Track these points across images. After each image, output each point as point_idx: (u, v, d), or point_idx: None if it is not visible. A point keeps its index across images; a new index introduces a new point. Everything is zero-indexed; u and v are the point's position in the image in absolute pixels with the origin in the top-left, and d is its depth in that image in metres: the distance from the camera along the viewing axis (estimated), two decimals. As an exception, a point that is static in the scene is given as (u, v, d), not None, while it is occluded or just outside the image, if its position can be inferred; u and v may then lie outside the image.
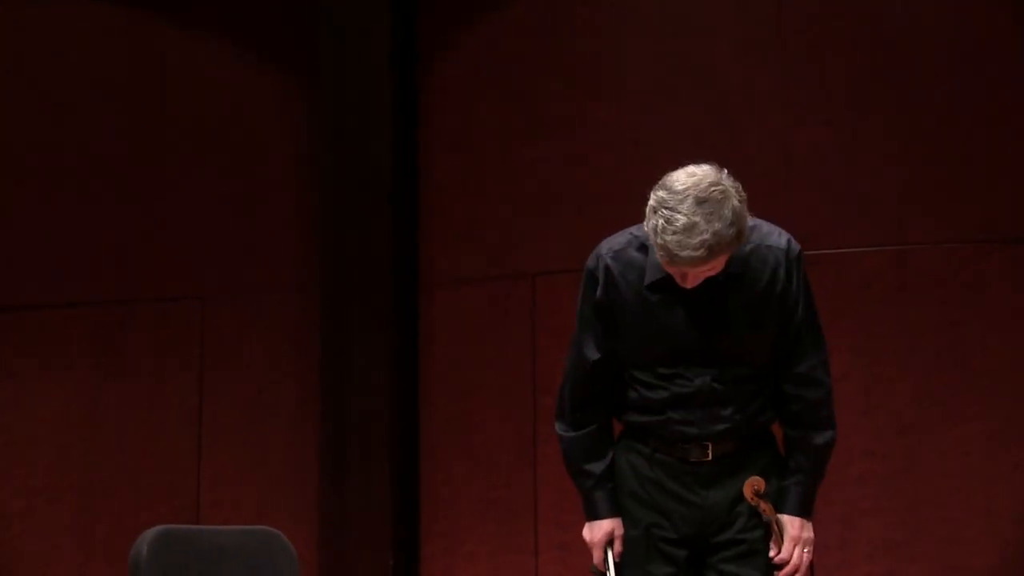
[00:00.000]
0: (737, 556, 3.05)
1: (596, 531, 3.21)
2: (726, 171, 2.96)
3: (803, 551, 2.97)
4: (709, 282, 2.98)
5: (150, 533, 3.15)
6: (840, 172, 5.71)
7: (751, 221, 3.00)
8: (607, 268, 3.17)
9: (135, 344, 6.38)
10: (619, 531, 3.18)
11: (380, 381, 5.90)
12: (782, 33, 5.86)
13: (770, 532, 3.04)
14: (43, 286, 6.50)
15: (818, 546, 5.46)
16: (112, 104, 6.59)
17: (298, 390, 6.17)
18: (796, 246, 3.10)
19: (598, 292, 3.19)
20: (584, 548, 5.67)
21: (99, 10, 6.68)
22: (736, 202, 2.88)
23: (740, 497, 3.04)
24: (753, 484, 2.99)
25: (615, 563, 3.16)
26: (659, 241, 2.88)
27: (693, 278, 2.94)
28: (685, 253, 2.84)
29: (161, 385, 6.32)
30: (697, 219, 2.83)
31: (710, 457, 3.08)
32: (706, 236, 2.83)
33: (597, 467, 3.23)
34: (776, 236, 3.10)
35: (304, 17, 6.39)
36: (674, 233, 2.84)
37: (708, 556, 3.09)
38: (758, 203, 5.75)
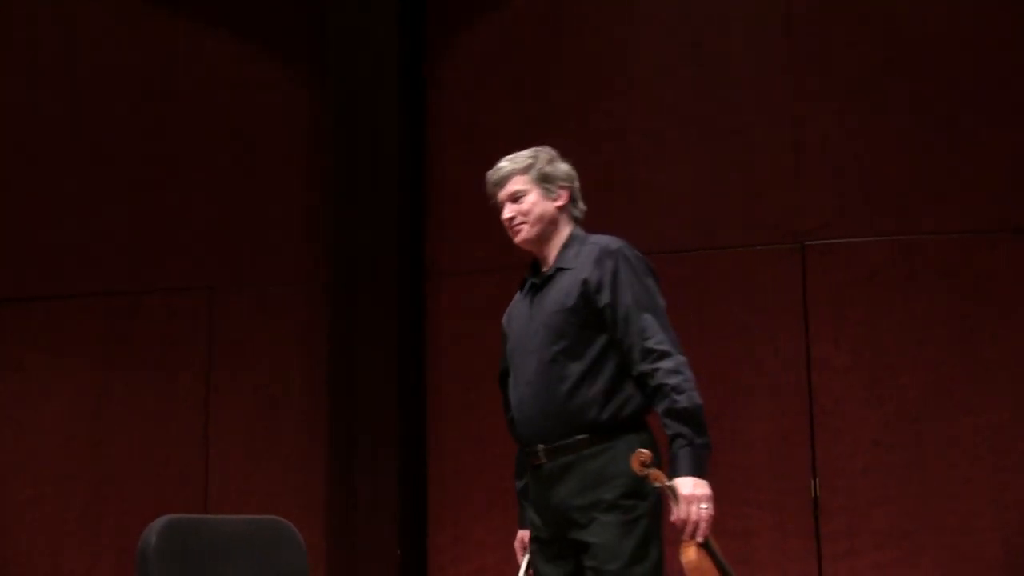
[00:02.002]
0: (590, 557, 3.15)
1: (517, 541, 3.45)
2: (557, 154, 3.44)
3: (699, 507, 3.05)
4: (544, 279, 3.33)
5: (159, 522, 3.15)
6: (849, 162, 5.71)
7: (608, 237, 3.32)
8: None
9: (143, 335, 6.39)
10: (527, 539, 3.38)
11: (388, 371, 5.90)
12: (791, 22, 5.84)
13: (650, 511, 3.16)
14: (51, 278, 6.52)
15: (825, 535, 5.49)
16: (121, 97, 6.60)
17: (305, 381, 6.17)
18: (619, 244, 3.31)
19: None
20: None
21: (110, 3, 6.68)
22: (542, 155, 3.41)
23: (589, 495, 3.13)
24: (639, 456, 3.05)
25: (526, 570, 3.34)
26: None
27: (507, 211, 3.40)
28: (489, 175, 3.42)
29: (169, 376, 6.33)
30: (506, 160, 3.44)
31: (542, 459, 3.21)
32: (505, 162, 3.42)
33: (519, 483, 3.45)
34: (606, 238, 3.36)
35: (312, 11, 6.39)
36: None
37: (580, 555, 3.19)
38: (768, 192, 5.79)
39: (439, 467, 6.03)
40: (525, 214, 3.38)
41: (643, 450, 3.05)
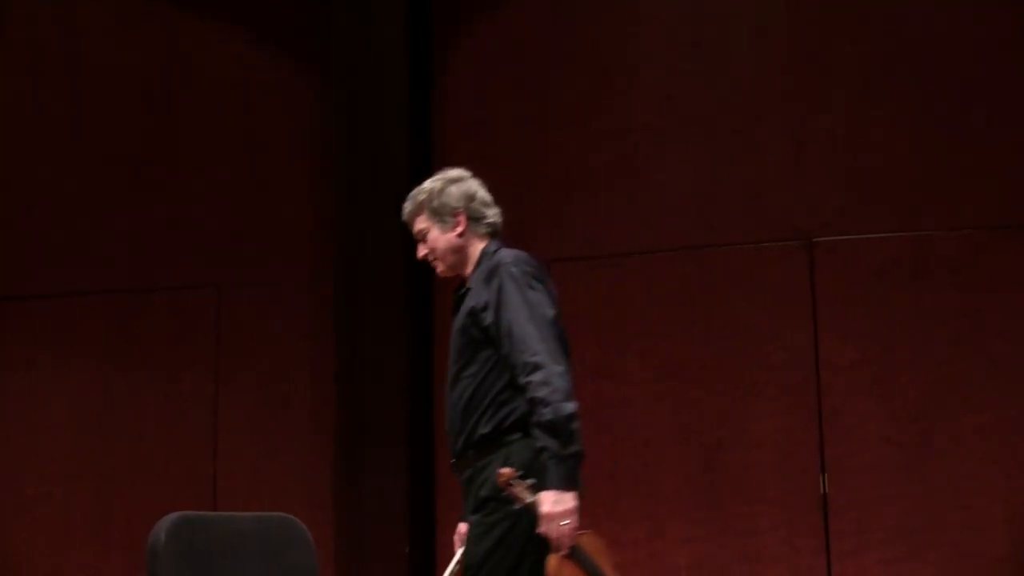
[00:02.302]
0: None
1: (456, 533, 3.54)
2: (465, 173, 3.53)
3: (557, 524, 3.07)
4: (457, 300, 3.42)
5: (168, 519, 3.15)
6: (854, 159, 5.70)
7: (507, 252, 3.35)
8: None
9: (151, 332, 6.40)
10: (464, 531, 3.41)
11: (395, 368, 5.90)
12: (794, 20, 5.84)
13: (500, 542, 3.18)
14: (58, 276, 6.52)
15: (834, 532, 5.49)
16: (127, 96, 6.60)
17: (313, 377, 6.18)
18: (509, 259, 3.32)
19: None
20: (600, 532, 5.69)
21: (115, 3, 6.69)
22: (433, 188, 3.46)
23: (472, 510, 3.22)
24: (500, 476, 3.12)
25: (457, 561, 3.41)
26: None
27: (420, 250, 3.49)
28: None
29: (177, 372, 6.34)
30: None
31: (455, 472, 3.33)
32: (407, 202, 3.51)
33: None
34: (500, 254, 3.37)
35: (318, 11, 6.38)
36: None
37: None
38: (774, 189, 5.79)
39: (446, 464, 6.02)
40: (433, 251, 3.46)
41: (504, 469, 3.11)
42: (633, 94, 6.00)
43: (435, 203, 3.45)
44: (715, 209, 5.83)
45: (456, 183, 3.48)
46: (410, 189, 6.06)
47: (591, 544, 3.10)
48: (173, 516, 3.17)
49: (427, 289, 6.15)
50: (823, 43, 5.79)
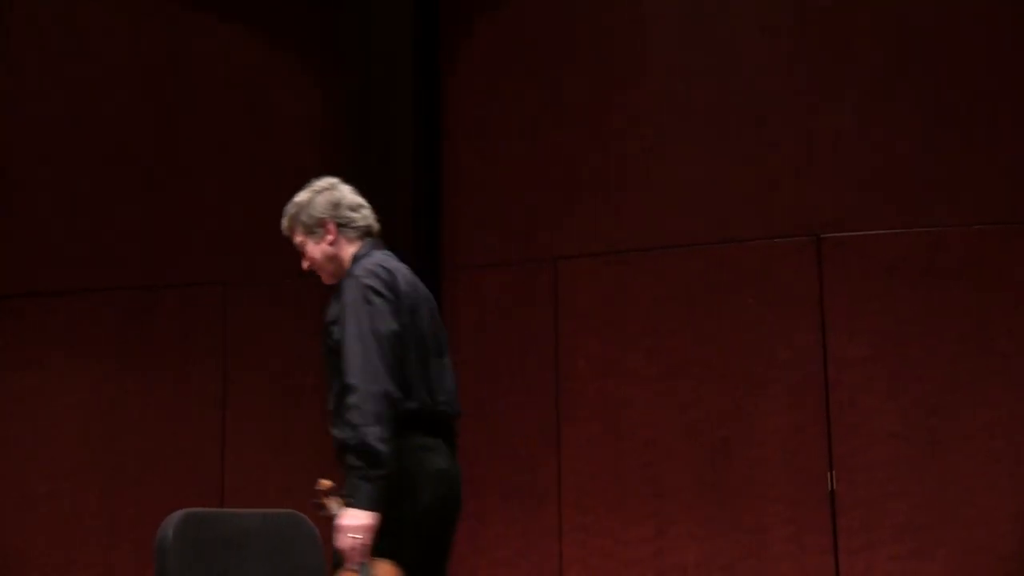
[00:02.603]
0: None
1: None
2: (337, 181, 3.63)
3: (349, 537, 3.13)
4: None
5: (175, 516, 3.15)
6: (865, 156, 5.68)
7: (376, 254, 3.44)
8: None
9: (159, 330, 6.40)
10: None
11: (403, 365, 5.89)
12: (806, 16, 5.82)
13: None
14: (67, 274, 6.54)
15: (842, 529, 5.47)
16: (134, 94, 6.61)
17: (321, 374, 6.16)
18: (358, 270, 3.37)
19: None
20: (606, 530, 5.67)
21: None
22: (300, 202, 3.53)
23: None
24: (320, 485, 3.23)
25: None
26: None
27: (303, 261, 3.56)
28: None
29: (185, 370, 6.35)
30: None
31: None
32: (283, 219, 3.57)
33: None
34: (363, 261, 3.43)
35: (326, 5, 6.38)
36: None
37: None
38: (783, 186, 5.77)
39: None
40: (312, 262, 3.55)
41: (324, 481, 3.22)
42: (640, 91, 5.99)
43: (303, 216, 3.52)
44: (723, 206, 5.82)
45: (322, 193, 3.56)
46: (418, 187, 6.13)
47: (384, 571, 3.16)
48: (181, 512, 3.17)
49: (435, 288, 6.15)
50: (833, 40, 5.77)
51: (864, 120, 5.70)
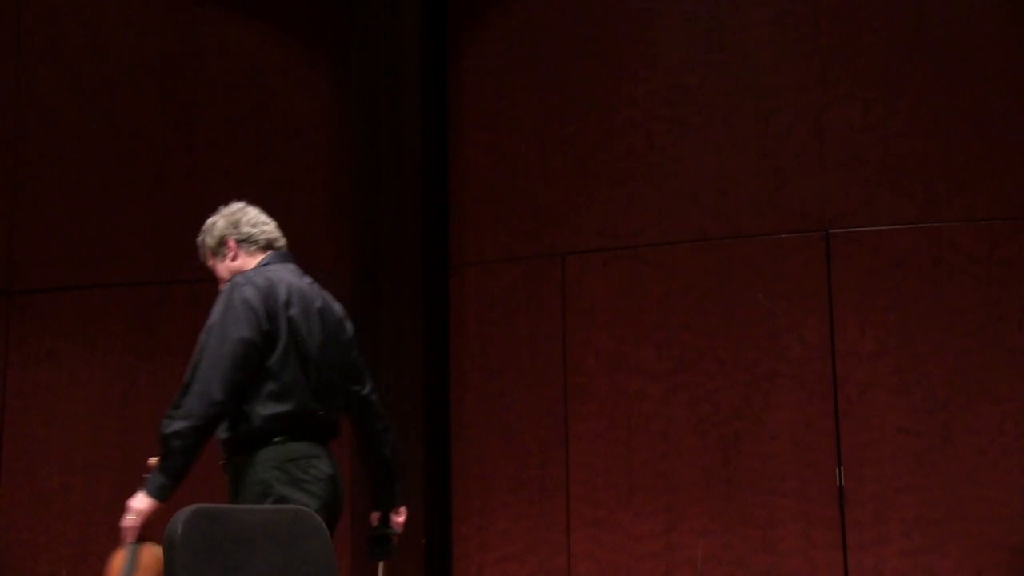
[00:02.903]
0: None
1: None
2: (244, 204, 3.83)
3: (125, 516, 3.46)
4: None
5: (185, 511, 3.17)
6: (874, 149, 5.67)
7: (272, 267, 3.68)
8: None
9: (171, 325, 6.43)
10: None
11: (411, 361, 5.91)
12: (816, 10, 5.81)
13: None
14: (80, 269, 6.56)
15: (851, 524, 5.48)
16: (146, 87, 6.63)
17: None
18: (238, 278, 3.63)
19: None
20: (616, 525, 5.68)
21: (132, -7, 6.72)
22: (205, 232, 3.79)
23: None
24: (149, 462, 3.61)
25: None
26: None
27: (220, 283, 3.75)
28: None
29: (196, 365, 6.37)
30: None
31: None
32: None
33: None
34: (246, 273, 3.68)
35: (335, 1, 6.40)
36: None
37: None
38: (792, 180, 5.77)
39: (463, 456, 6.05)
40: (222, 281, 3.75)
41: (151, 460, 3.55)
42: (651, 85, 5.99)
43: (208, 239, 3.80)
44: (733, 200, 5.82)
45: (225, 216, 3.79)
46: (427, 182, 6.15)
47: (148, 554, 3.40)
48: (190, 508, 3.18)
49: (444, 282, 6.16)
50: (843, 33, 5.77)
51: (874, 115, 5.69)
